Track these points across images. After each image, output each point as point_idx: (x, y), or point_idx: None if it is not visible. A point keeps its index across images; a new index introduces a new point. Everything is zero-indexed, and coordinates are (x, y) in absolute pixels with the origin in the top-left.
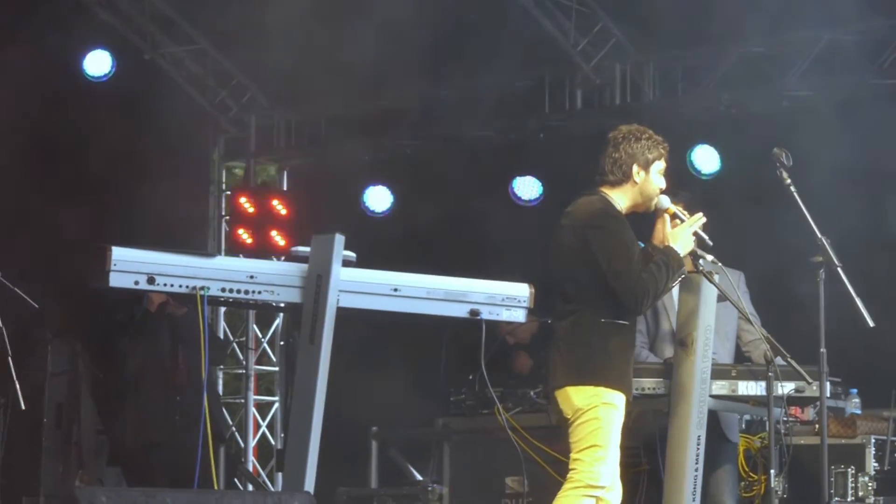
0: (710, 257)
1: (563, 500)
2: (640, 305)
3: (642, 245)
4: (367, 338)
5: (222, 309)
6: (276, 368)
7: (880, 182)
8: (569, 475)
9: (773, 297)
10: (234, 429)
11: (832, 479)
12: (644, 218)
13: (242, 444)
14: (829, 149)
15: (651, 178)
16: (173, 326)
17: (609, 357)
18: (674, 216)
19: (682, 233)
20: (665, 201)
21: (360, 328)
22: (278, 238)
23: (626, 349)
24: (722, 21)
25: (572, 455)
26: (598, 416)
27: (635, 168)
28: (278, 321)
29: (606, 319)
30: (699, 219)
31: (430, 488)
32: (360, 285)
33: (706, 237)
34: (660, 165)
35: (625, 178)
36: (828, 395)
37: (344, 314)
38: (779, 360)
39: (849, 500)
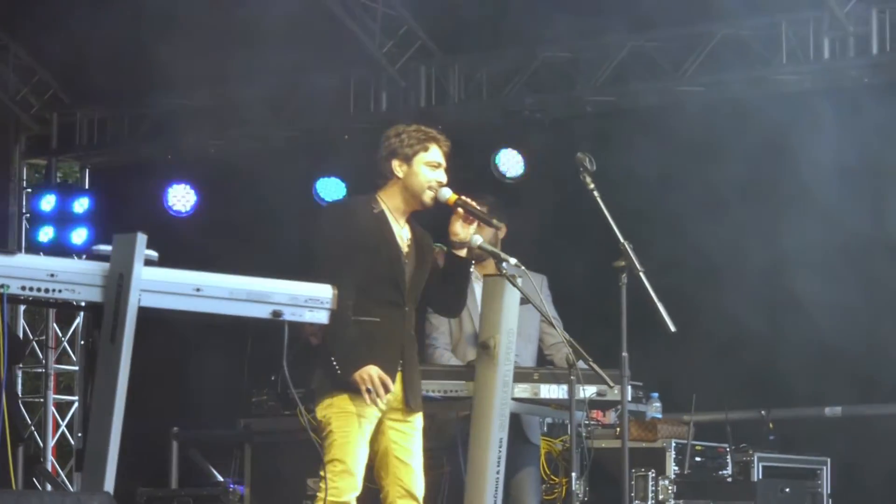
0: (513, 260)
1: None
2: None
3: (443, 246)
4: (169, 337)
5: (22, 307)
6: (76, 367)
7: (685, 191)
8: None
9: (579, 300)
10: (32, 428)
11: (633, 483)
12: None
13: (41, 444)
14: (634, 155)
15: (416, 171)
16: None
17: None
18: (456, 204)
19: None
20: (446, 192)
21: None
22: (79, 236)
23: (365, 347)
24: (527, 25)
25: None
26: (332, 428)
27: (395, 163)
28: (79, 320)
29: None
30: None
31: (230, 489)
32: (161, 285)
33: (498, 252)
34: (426, 157)
35: (389, 175)
36: (629, 399)
37: (145, 314)
38: (581, 364)
39: (649, 503)
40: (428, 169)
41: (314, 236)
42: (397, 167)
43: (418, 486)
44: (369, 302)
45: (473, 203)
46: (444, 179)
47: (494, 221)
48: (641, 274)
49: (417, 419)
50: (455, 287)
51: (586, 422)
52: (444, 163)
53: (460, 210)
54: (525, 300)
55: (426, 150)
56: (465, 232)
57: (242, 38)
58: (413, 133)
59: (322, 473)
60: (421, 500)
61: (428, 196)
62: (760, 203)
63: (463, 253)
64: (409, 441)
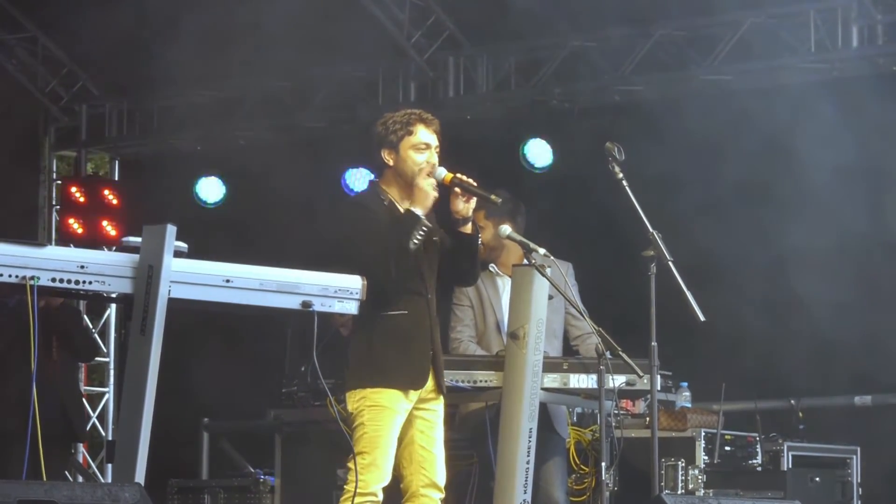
0: (542, 251)
1: None
2: (377, 287)
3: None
4: (199, 328)
5: (112, 309)
6: (107, 359)
7: (710, 179)
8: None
9: (605, 290)
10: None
11: (663, 472)
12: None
13: None
14: (661, 144)
15: (403, 157)
16: (48, 319)
17: (371, 355)
18: (453, 183)
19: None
20: (441, 172)
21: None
22: (109, 228)
23: (398, 340)
24: (554, 15)
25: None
26: (363, 421)
27: (384, 154)
28: (109, 311)
29: (369, 313)
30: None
31: (261, 479)
32: (191, 276)
33: (527, 242)
34: (412, 141)
35: (383, 166)
36: (658, 388)
37: (176, 306)
38: (609, 354)
39: (679, 492)
40: (415, 153)
41: (334, 238)
42: (387, 156)
43: (441, 474)
44: (384, 298)
45: (469, 180)
46: (435, 160)
47: (492, 197)
48: (671, 263)
49: (440, 407)
50: (467, 262)
51: (616, 411)
52: (433, 142)
53: (457, 189)
54: (551, 295)
55: (410, 133)
56: (467, 208)
57: (271, 28)
58: (397, 119)
59: (350, 465)
60: (443, 488)
61: (422, 179)
62: (808, 186)
63: (468, 229)
64: (432, 429)
